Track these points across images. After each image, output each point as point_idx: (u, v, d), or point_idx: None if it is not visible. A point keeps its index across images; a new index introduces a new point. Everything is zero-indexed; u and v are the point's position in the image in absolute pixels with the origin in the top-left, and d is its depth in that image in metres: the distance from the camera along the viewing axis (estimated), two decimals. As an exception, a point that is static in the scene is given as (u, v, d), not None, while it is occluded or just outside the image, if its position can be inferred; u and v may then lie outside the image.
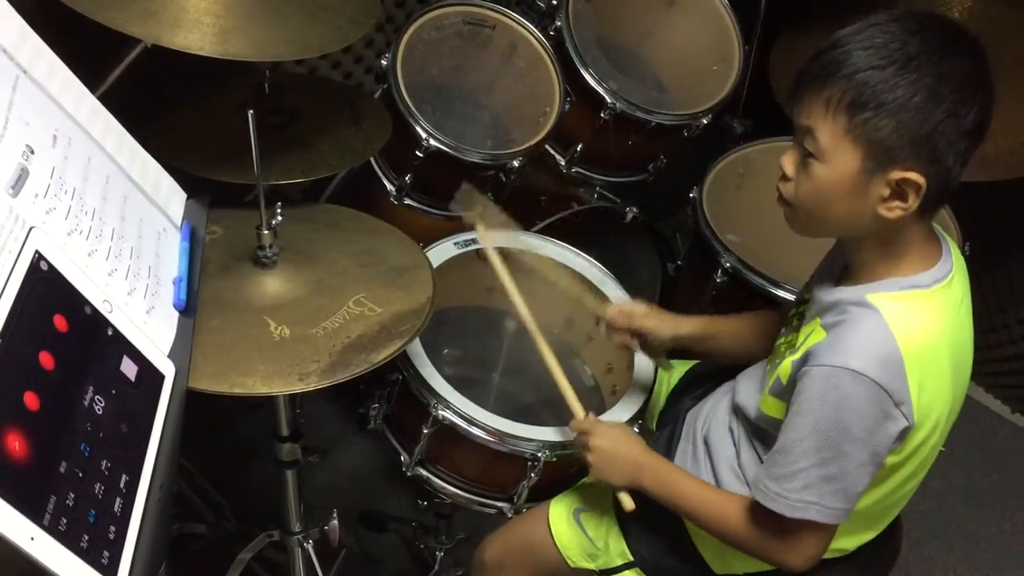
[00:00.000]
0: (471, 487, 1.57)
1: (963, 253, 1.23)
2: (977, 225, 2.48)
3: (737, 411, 1.36)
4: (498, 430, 1.45)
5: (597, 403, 1.73)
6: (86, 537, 0.82)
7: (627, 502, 1.34)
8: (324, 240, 1.42)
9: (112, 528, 0.86)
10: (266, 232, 1.27)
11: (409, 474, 1.57)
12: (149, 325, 1.09)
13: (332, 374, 1.16)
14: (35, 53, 1.06)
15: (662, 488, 1.31)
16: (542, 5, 2.08)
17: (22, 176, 0.95)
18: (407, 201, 1.93)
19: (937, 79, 1.03)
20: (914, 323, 1.11)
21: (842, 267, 1.24)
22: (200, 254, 1.29)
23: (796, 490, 1.14)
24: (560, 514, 1.47)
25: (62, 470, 0.83)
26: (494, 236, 1.59)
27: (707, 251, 1.90)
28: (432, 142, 1.76)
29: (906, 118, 1.03)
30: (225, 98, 1.59)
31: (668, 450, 1.48)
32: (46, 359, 0.86)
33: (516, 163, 1.83)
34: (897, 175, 1.06)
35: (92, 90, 1.16)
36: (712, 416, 1.43)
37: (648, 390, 1.59)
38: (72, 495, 0.82)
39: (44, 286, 0.90)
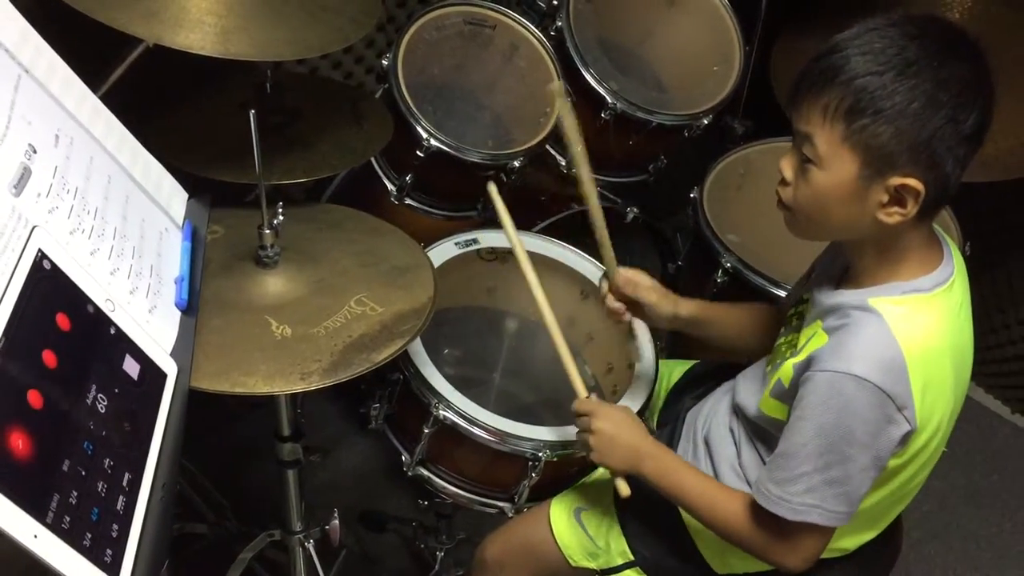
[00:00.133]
0: (472, 487, 1.57)
1: (963, 253, 1.24)
2: (977, 225, 2.48)
3: (738, 411, 1.36)
4: (499, 430, 1.45)
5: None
6: (89, 535, 0.82)
7: (623, 488, 1.32)
8: (325, 240, 1.42)
9: (115, 526, 0.87)
10: (267, 232, 1.27)
11: (410, 474, 1.57)
12: (151, 324, 1.09)
13: (333, 373, 1.16)
14: (37, 53, 1.06)
15: (662, 477, 1.30)
16: (543, 5, 2.08)
17: (25, 175, 0.96)
18: (408, 201, 1.93)
19: (936, 85, 1.02)
20: (916, 328, 1.11)
21: (842, 269, 1.24)
22: (202, 253, 1.29)
23: (798, 493, 1.14)
24: (561, 513, 1.47)
25: (65, 468, 0.83)
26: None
27: (707, 251, 1.90)
28: (433, 142, 1.77)
29: (904, 124, 1.03)
30: (226, 98, 1.59)
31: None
32: (49, 358, 0.86)
33: (517, 163, 1.84)
34: (896, 181, 1.06)
35: (94, 90, 1.16)
36: (712, 416, 1.43)
37: (649, 390, 1.59)
38: (75, 493, 0.82)
39: (47, 285, 0.90)
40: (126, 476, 0.91)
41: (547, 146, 2.01)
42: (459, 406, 1.45)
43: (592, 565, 1.45)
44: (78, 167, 1.07)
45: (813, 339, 1.18)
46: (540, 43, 1.97)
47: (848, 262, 1.22)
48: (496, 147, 1.90)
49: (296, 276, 1.31)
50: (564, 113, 1.44)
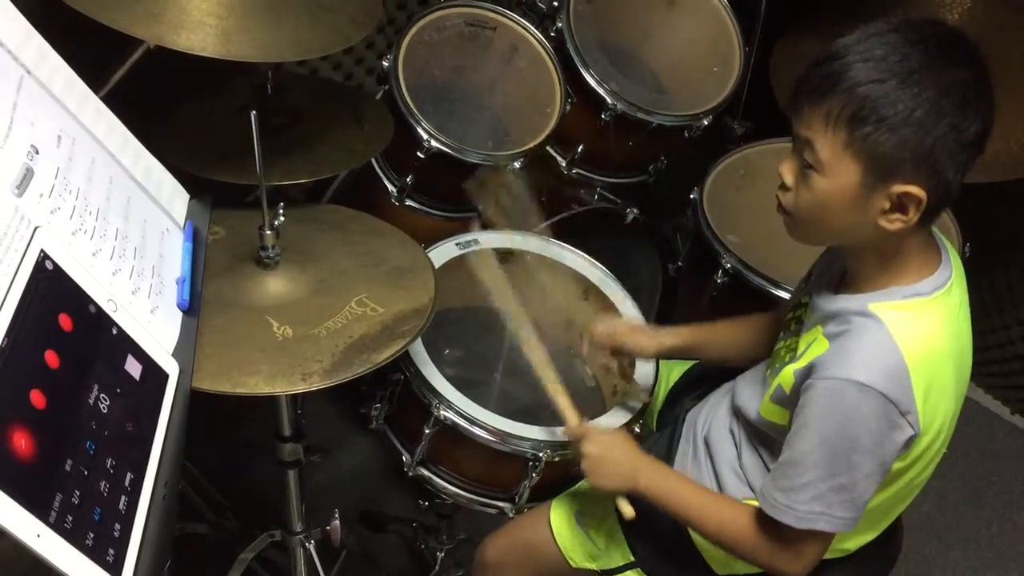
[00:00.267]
0: (472, 487, 1.57)
1: (963, 254, 1.24)
2: (976, 226, 2.48)
3: (738, 413, 1.36)
4: (500, 430, 1.45)
5: (598, 404, 1.73)
6: (91, 535, 0.82)
7: (627, 510, 1.32)
8: (326, 241, 1.42)
9: (117, 526, 0.87)
10: (268, 232, 1.27)
11: (410, 474, 1.57)
12: (153, 324, 1.09)
13: (334, 374, 1.17)
14: (39, 54, 1.06)
15: (659, 492, 1.30)
16: (543, 6, 2.09)
17: (27, 176, 0.96)
18: (408, 202, 1.93)
19: (939, 93, 1.02)
20: (917, 333, 1.11)
21: (840, 273, 1.24)
22: (203, 254, 1.29)
23: (805, 502, 1.14)
24: (561, 514, 1.47)
25: (68, 468, 0.83)
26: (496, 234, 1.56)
27: (708, 252, 1.90)
28: (433, 143, 1.77)
29: (907, 133, 1.02)
30: (227, 99, 1.59)
31: (669, 450, 1.48)
32: (51, 358, 0.86)
33: (517, 164, 1.84)
34: (898, 189, 1.05)
35: (96, 91, 1.17)
36: (712, 417, 1.43)
37: (648, 390, 1.59)
38: (78, 493, 0.83)
39: (49, 285, 0.91)
40: (128, 476, 0.92)
41: (547, 147, 2.02)
42: (460, 406, 1.45)
43: (592, 566, 1.45)
44: (80, 168, 1.08)
45: (814, 345, 1.18)
46: (540, 44, 1.97)
47: (846, 266, 1.22)
48: (496, 148, 1.90)
49: (297, 277, 1.31)
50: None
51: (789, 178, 1.14)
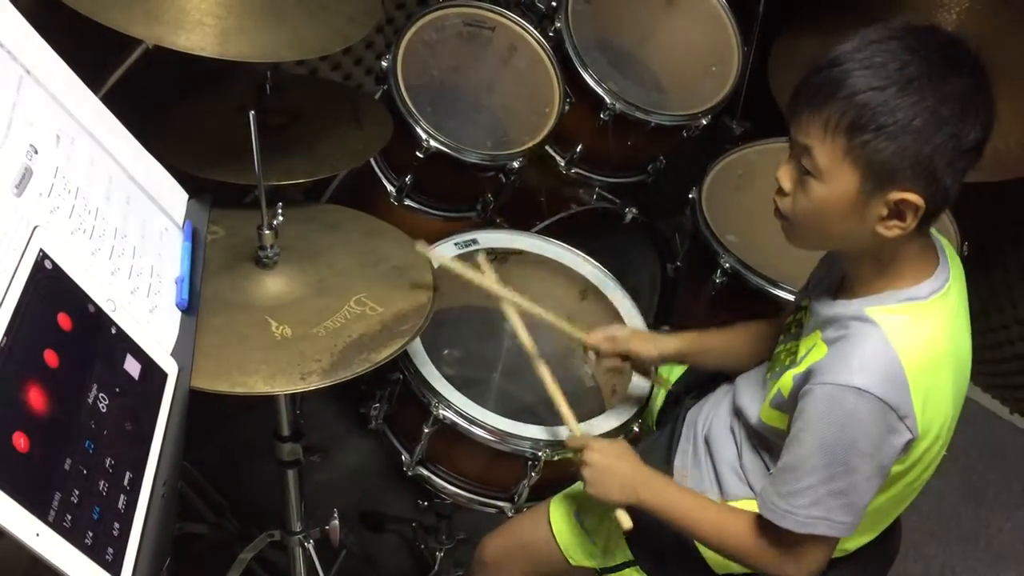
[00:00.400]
0: (472, 486, 1.57)
1: (961, 254, 1.23)
2: (975, 225, 2.48)
3: (739, 413, 1.36)
4: (499, 429, 1.45)
5: (597, 403, 1.74)
6: (90, 534, 0.82)
7: (624, 521, 1.31)
8: (325, 240, 1.42)
9: (116, 525, 0.87)
10: (267, 232, 1.27)
11: (410, 473, 1.57)
12: (152, 324, 1.09)
13: (334, 373, 1.17)
14: (38, 54, 1.06)
15: (661, 504, 1.29)
16: (541, 6, 2.09)
17: (26, 175, 0.96)
18: (407, 202, 1.93)
19: (938, 101, 1.02)
20: (914, 337, 1.11)
21: (838, 278, 1.24)
22: (202, 254, 1.29)
23: (804, 506, 1.14)
24: (561, 513, 1.48)
25: (67, 467, 0.83)
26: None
27: (706, 251, 1.90)
28: (432, 143, 1.77)
29: (907, 141, 1.02)
30: (226, 99, 1.59)
31: (668, 450, 1.48)
32: (50, 357, 0.86)
33: (516, 164, 1.84)
34: (896, 196, 1.05)
35: (95, 91, 1.17)
36: (713, 416, 1.43)
37: (648, 390, 1.59)
38: (76, 492, 0.83)
39: (48, 284, 0.91)
40: (127, 475, 0.92)
41: (546, 147, 2.02)
42: (459, 406, 1.46)
43: (592, 564, 1.46)
44: (79, 167, 1.08)
45: (813, 350, 1.18)
46: (539, 44, 1.98)
47: (844, 271, 1.22)
48: (495, 148, 1.91)
49: (296, 276, 1.31)
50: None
51: (787, 184, 1.14)
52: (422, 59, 1.91)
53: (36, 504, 0.77)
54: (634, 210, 2.13)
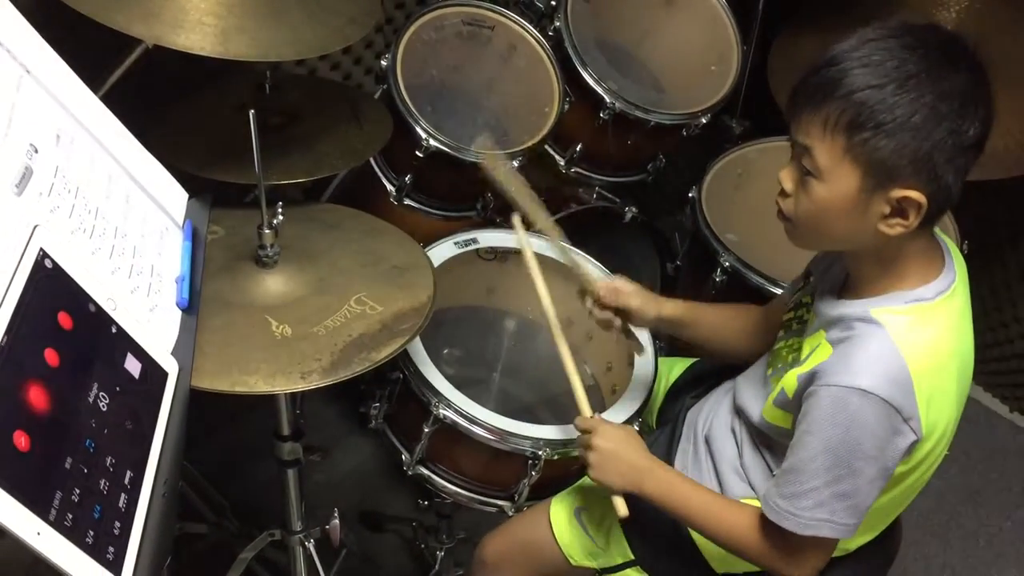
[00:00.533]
0: (472, 486, 1.57)
1: (961, 252, 1.23)
2: (975, 224, 2.48)
3: (739, 412, 1.36)
4: (499, 428, 1.45)
5: (597, 402, 1.74)
6: (91, 533, 0.82)
7: (621, 508, 1.31)
8: (325, 239, 1.42)
9: (117, 524, 0.87)
10: (267, 231, 1.27)
11: (410, 473, 1.57)
12: (152, 323, 1.09)
13: (334, 372, 1.17)
14: (38, 53, 1.06)
15: (664, 494, 1.29)
16: (540, 6, 2.09)
17: (26, 175, 0.96)
18: (407, 201, 1.93)
19: (937, 97, 1.02)
20: (920, 339, 1.12)
21: (842, 277, 1.24)
22: (202, 253, 1.29)
23: (808, 508, 1.14)
24: (561, 512, 1.48)
25: (67, 466, 0.83)
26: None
27: (706, 250, 1.91)
28: (432, 142, 1.77)
29: (906, 138, 1.02)
30: (226, 99, 1.59)
31: (669, 449, 1.48)
32: (51, 356, 0.86)
33: (515, 163, 1.84)
34: (898, 194, 1.06)
35: (95, 90, 1.17)
36: (713, 415, 1.43)
37: (648, 389, 1.59)
38: (77, 491, 0.83)
39: (49, 284, 0.91)
40: (128, 474, 0.92)
41: (546, 146, 2.02)
42: (459, 405, 1.46)
43: (592, 564, 1.46)
44: (79, 167, 1.08)
45: (818, 350, 1.18)
46: (538, 43, 1.98)
47: (848, 271, 1.22)
48: (495, 147, 1.90)
49: (296, 276, 1.31)
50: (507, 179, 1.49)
51: (789, 185, 1.14)
52: (422, 58, 1.91)
53: (37, 503, 0.77)
54: (634, 209, 2.13)
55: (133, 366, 1.00)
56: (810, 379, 1.15)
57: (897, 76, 1.02)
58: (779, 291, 1.79)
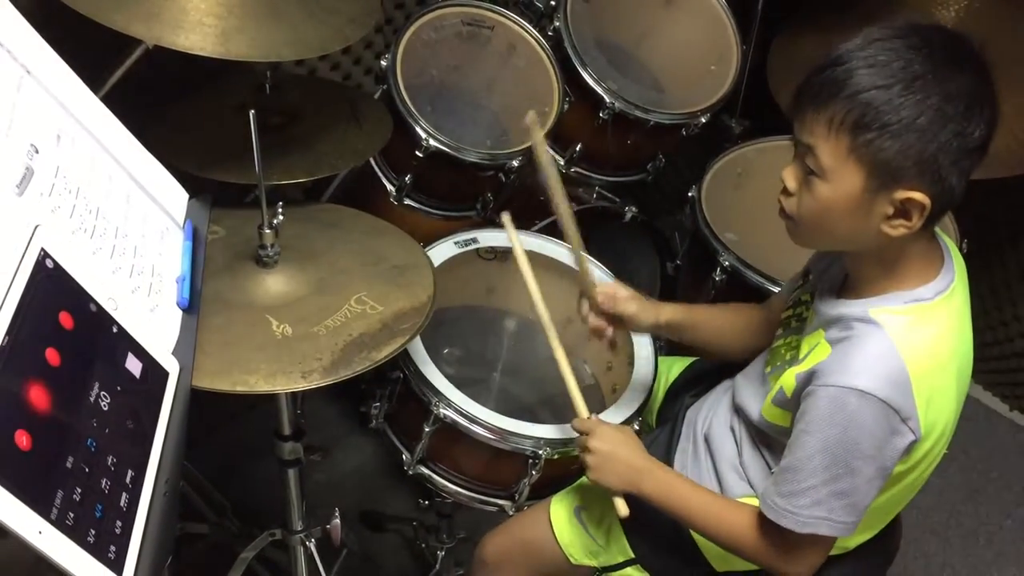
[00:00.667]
0: (472, 485, 1.57)
1: (961, 251, 1.23)
2: (975, 223, 2.48)
3: (738, 411, 1.36)
4: (499, 428, 1.45)
5: (597, 401, 1.74)
6: (93, 532, 0.83)
7: (622, 508, 1.32)
8: (325, 239, 1.42)
9: (118, 523, 0.87)
10: (268, 231, 1.27)
11: (410, 472, 1.57)
12: (153, 323, 1.10)
13: (334, 372, 1.17)
14: (39, 54, 1.07)
15: (663, 494, 1.30)
16: (540, 6, 2.09)
17: (27, 175, 0.96)
18: (407, 201, 1.93)
19: (943, 99, 1.02)
20: (919, 339, 1.12)
21: (842, 277, 1.24)
22: (203, 253, 1.29)
23: (806, 506, 1.14)
24: (561, 511, 1.48)
25: (68, 465, 0.83)
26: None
27: (706, 250, 1.91)
28: (432, 142, 1.77)
29: (911, 139, 1.02)
30: (226, 99, 1.59)
31: (668, 448, 1.48)
32: (52, 355, 0.86)
33: (515, 163, 1.84)
34: (901, 195, 1.05)
35: (95, 90, 1.17)
36: (713, 414, 1.43)
37: (648, 388, 1.60)
38: (79, 490, 0.83)
39: (50, 283, 0.91)
40: (129, 473, 0.92)
41: (546, 145, 2.01)
42: (459, 404, 1.46)
43: (592, 563, 1.46)
44: (80, 167, 1.08)
45: (816, 350, 1.18)
46: (538, 43, 1.98)
47: (848, 270, 1.22)
48: (495, 147, 1.91)
49: (296, 275, 1.31)
50: (540, 146, 1.47)
51: (792, 183, 1.14)
52: (421, 58, 1.91)
53: (38, 502, 0.77)
54: (634, 209, 2.13)
55: (134, 366, 1.00)
56: (808, 378, 1.16)
57: (903, 77, 1.02)
58: (778, 290, 1.79)
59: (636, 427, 1.55)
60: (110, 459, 0.90)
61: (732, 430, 1.37)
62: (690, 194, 1.99)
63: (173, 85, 1.55)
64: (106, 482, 0.88)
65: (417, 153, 1.78)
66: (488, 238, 1.76)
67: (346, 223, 1.49)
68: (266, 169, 1.21)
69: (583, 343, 1.80)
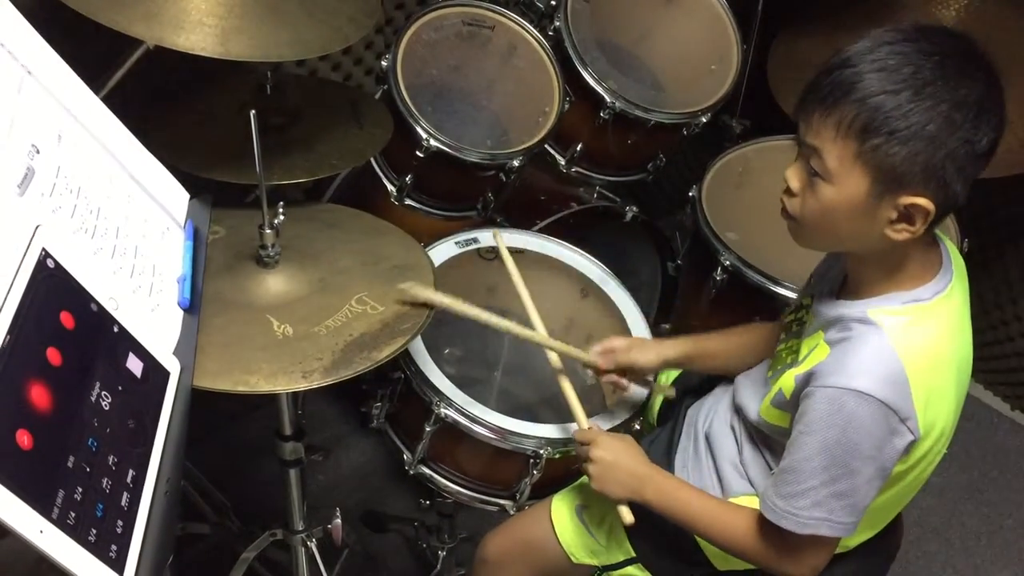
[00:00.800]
0: (473, 485, 1.57)
1: (961, 250, 1.23)
2: (975, 222, 2.49)
3: (738, 410, 1.36)
4: (500, 427, 1.45)
5: (598, 401, 1.74)
6: (94, 531, 0.83)
7: (626, 515, 1.32)
8: (326, 239, 1.42)
9: (119, 522, 0.87)
10: (268, 231, 1.27)
11: (412, 472, 1.57)
12: (154, 323, 1.10)
13: (335, 372, 1.17)
14: (39, 54, 1.07)
15: (665, 501, 1.30)
16: (540, 6, 2.09)
17: (28, 175, 0.96)
18: (408, 201, 1.93)
19: (952, 107, 1.01)
20: (917, 339, 1.11)
21: (840, 278, 1.24)
22: (203, 253, 1.30)
23: (806, 508, 1.14)
24: (562, 510, 1.48)
25: (70, 465, 0.83)
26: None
27: (707, 249, 1.91)
28: (432, 142, 1.77)
29: (919, 146, 1.01)
30: (227, 99, 1.59)
31: (669, 447, 1.48)
32: (53, 355, 0.87)
33: (516, 163, 1.84)
34: (906, 200, 1.05)
35: (96, 91, 1.17)
36: (713, 413, 1.43)
37: (648, 388, 1.60)
38: (80, 489, 0.83)
39: (51, 283, 0.91)
40: (130, 473, 0.92)
41: (546, 146, 2.02)
42: (460, 404, 1.46)
43: (594, 562, 1.46)
44: (81, 167, 1.08)
45: (815, 351, 1.18)
46: (538, 43, 1.98)
47: (847, 271, 1.22)
48: (495, 147, 1.91)
49: (297, 275, 1.32)
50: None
51: (795, 184, 1.14)
52: (422, 59, 1.91)
53: (39, 501, 0.77)
54: (634, 208, 2.13)
55: (135, 365, 1.00)
56: (807, 379, 1.16)
57: (913, 83, 1.01)
58: (779, 290, 1.79)
59: (637, 426, 1.56)
60: (111, 459, 0.90)
61: (732, 429, 1.37)
62: (691, 194, 1.99)
63: (174, 85, 1.55)
64: (107, 481, 0.88)
65: (418, 153, 1.78)
66: (489, 238, 1.76)
67: (347, 223, 1.49)
68: (267, 169, 1.21)
69: (584, 344, 1.80)
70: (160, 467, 0.97)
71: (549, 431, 1.48)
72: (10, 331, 0.82)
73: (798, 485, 1.14)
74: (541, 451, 1.46)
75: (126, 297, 1.05)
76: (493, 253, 1.76)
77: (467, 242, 1.74)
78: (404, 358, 1.50)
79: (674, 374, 1.66)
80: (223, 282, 1.29)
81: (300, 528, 1.62)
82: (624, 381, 1.54)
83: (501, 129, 2.02)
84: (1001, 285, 2.58)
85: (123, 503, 0.89)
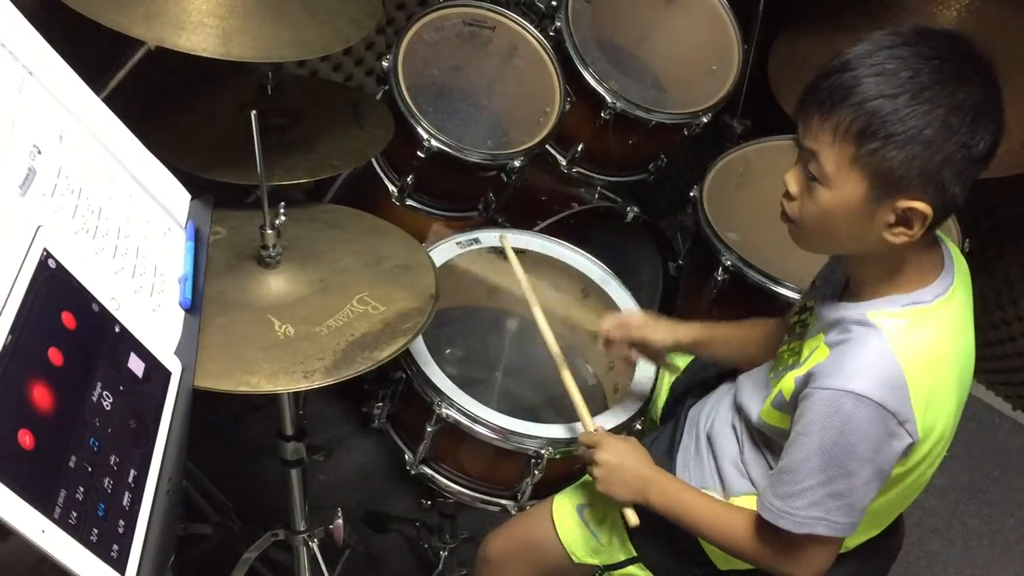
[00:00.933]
0: (475, 485, 1.57)
1: (962, 250, 1.23)
2: (976, 221, 2.49)
3: (740, 410, 1.36)
4: (502, 427, 1.45)
5: (600, 401, 1.74)
6: (95, 531, 0.83)
7: (632, 518, 1.33)
8: (327, 240, 1.42)
9: (121, 522, 0.87)
10: (270, 232, 1.28)
11: (413, 472, 1.57)
12: (155, 323, 1.10)
13: (336, 372, 1.17)
14: (40, 55, 1.07)
15: (669, 503, 1.30)
16: (541, 6, 2.09)
17: (30, 175, 0.96)
18: (409, 202, 1.93)
19: (950, 111, 1.01)
20: (916, 342, 1.11)
21: (843, 281, 1.24)
22: (205, 253, 1.30)
23: (802, 507, 1.14)
24: (564, 510, 1.48)
25: (71, 464, 0.83)
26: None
27: (708, 249, 1.91)
28: (433, 143, 1.77)
29: (916, 150, 1.01)
30: (228, 100, 1.59)
31: (671, 446, 1.48)
32: (55, 355, 0.87)
33: (517, 163, 1.84)
34: (904, 204, 1.05)
35: (97, 92, 1.18)
36: (715, 413, 1.43)
37: (650, 387, 1.60)
38: (81, 489, 0.83)
39: (52, 283, 0.91)
40: (132, 473, 0.92)
41: (547, 146, 2.02)
42: (462, 404, 1.46)
43: (595, 561, 1.46)
44: (82, 168, 1.08)
45: (815, 353, 1.18)
46: (539, 43, 1.98)
47: (849, 274, 1.22)
48: (496, 147, 1.91)
49: (298, 276, 1.32)
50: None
51: (794, 188, 1.14)
52: (423, 59, 1.91)
53: (41, 501, 0.77)
54: (635, 209, 2.13)
55: (136, 366, 1.00)
56: (806, 381, 1.16)
57: (911, 87, 1.01)
58: (780, 290, 1.79)
59: (639, 426, 1.56)
60: (113, 458, 0.90)
61: (734, 429, 1.37)
62: (692, 194, 1.99)
63: (175, 86, 1.55)
64: (109, 481, 0.88)
65: (419, 153, 1.78)
66: (490, 238, 1.76)
67: (348, 223, 1.50)
68: (268, 170, 1.22)
69: (586, 344, 1.81)
70: (162, 467, 0.97)
71: (550, 431, 1.48)
72: (12, 331, 0.82)
73: (795, 485, 1.14)
74: (542, 451, 1.46)
75: (127, 297, 1.06)
76: (494, 254, 1.76)
77: (468, 242, 1.74)
78: (405, 358, 1.50)
79: (689, 357, 1.66)
80: (224, 282, 1.29)
81: (302, 528, 1.62)
82: (633, 354, 1.55)
83: (502, 129, 2.02)
84: (1002, 285, 2.57)
85: (125, 503, 0.89)
